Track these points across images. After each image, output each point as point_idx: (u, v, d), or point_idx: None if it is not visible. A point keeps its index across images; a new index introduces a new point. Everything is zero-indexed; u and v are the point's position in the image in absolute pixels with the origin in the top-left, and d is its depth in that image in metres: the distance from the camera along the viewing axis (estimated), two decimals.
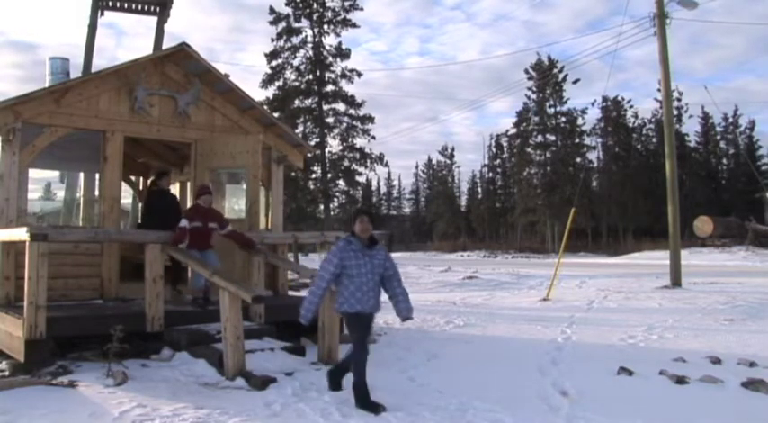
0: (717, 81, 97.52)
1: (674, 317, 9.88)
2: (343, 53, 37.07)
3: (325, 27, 37.22)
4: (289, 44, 37.18)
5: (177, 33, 61.64)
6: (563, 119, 49.10)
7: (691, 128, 60.20)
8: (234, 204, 10.38)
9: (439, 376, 6.05)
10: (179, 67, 8.63)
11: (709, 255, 31.90)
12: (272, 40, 37.13)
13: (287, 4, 36.79)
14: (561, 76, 47.82)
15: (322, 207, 37.85)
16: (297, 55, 37.49)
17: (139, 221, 8.62)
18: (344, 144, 37.38)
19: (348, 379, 5.09)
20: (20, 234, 6.26)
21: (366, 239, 5.05)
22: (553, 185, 47.13)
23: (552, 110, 49.33)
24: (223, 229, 7.63)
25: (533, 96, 49.98)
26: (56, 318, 6.18)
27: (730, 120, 53.18)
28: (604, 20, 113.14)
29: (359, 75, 36.80)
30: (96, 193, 11.05)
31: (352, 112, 37.30)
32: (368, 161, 37.23)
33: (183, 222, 7.21)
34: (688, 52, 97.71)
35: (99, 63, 15.73)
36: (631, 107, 51.60)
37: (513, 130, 52.49)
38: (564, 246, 14.93)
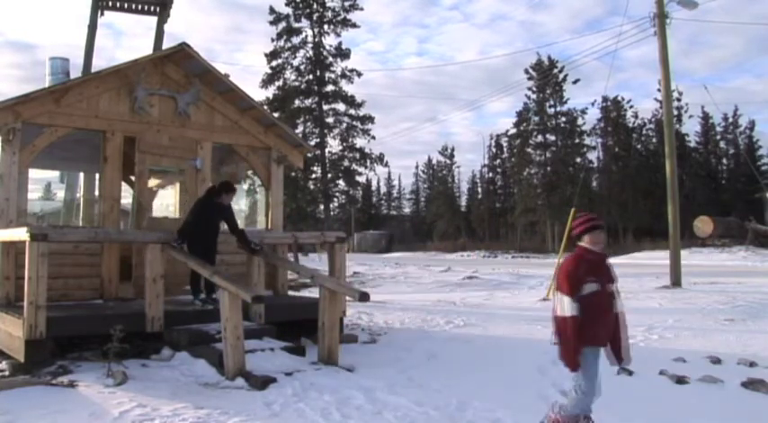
0: (716, 81, 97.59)
1: (674, 317, 9.87)
2: (343, 53, 37.00)
3: (326, 27, 37.14)
4: (289, 44, 37.09)
5: (177, 34, 61.92)
6: (563, 119, 49.06)
7: (691, 128, 60.29)
8: (233, 204, 10.35)
9: (439, 376, 6.05)
10: (179, 67, 8.63)
11: (709, 255, 31.88)
12: (272, 40, 37.06)
13: (287, 4, 36.71)
14: (561, 76, 47.83)
15: (322, 207, 37.77)
16: (297, 55, 37.38)
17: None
18: (344, 144, 37.29)
19: None
20: (20, 234, 6.27)
21: None
22: (553, 185, 47.10)
23: (552, 110, 49.28)
24: None
25: (533, 96, 49.95)
26: (56, 318, 6.18)
27: (730, 120, 53.22)
28: (602, 20, 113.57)
29: (359, 75, 36.76)
30: (96, 193, 11.04)
31: (352, 112, 37.20)
32: (368, 161, 37.14)
33: (568, 304, 3.86)
34: (688, 52, 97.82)
35: (98, 63, 15.68)
36: (631, 107, 51.66)
37: (513, 130, 52.48)
38: (564, 246, 14.91)
